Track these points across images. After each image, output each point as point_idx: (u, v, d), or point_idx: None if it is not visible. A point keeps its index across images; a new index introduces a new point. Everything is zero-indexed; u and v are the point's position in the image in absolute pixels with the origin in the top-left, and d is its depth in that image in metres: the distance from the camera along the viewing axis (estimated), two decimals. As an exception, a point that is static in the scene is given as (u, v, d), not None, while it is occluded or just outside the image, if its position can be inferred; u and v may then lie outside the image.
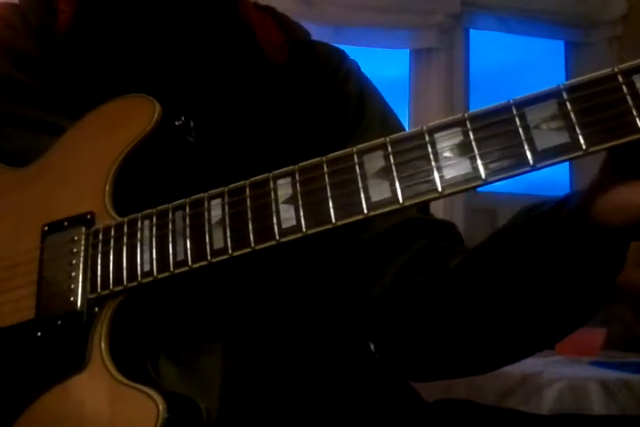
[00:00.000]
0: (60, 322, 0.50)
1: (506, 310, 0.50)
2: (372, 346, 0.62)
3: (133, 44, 0.60)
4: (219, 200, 0.46)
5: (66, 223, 0.53)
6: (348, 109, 0.63)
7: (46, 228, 0.54)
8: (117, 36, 0.60)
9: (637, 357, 1.59)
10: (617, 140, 0.35)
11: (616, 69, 0.36)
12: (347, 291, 0.61)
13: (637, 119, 0.34)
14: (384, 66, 2.31)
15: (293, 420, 0.54)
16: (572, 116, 0.36)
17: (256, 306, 0.55)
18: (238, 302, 0.54)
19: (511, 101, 0.38)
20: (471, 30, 2.32)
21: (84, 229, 0.52)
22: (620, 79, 0.36)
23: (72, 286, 0.51)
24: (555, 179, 2.41)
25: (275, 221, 0.43)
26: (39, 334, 0.51)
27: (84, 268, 0.51)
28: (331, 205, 0.42)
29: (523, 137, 0.37)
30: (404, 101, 2.30)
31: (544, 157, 0.36)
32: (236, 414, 0.51)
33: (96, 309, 0.49)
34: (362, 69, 0.67)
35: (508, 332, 0.52)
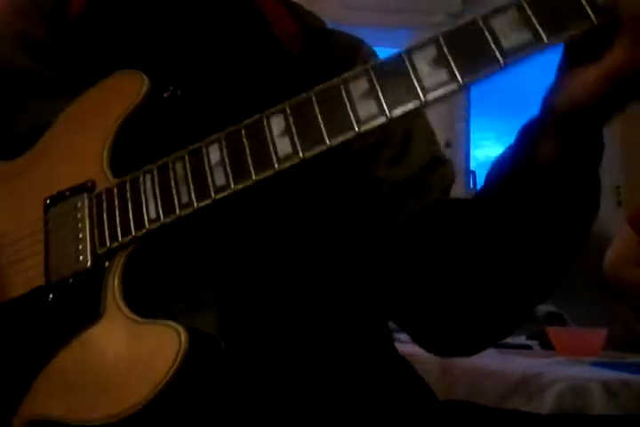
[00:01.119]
0: (71, 281, 0.51)
1: (506, 254, 0.51)
2: (390, 324, 0.62)
3: (144, 27, 0.62)
4: (216, 145, 0.49)
5: (67, 193, 0.55)
6: None
7: (48, 201, 0.56)
8: (129, 19, 0.63)
9: (638, 357, 1.58)
10: (570, 31, 0.38)
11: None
12: (369, 265, 0.60)
13: (588, 8, 0.38)
14: None
15: (295, 413, 0.53)
16: (532, 17, 0.40)
17: (264, 277, 0.55)
18: (244, 267, 0.54)
19: (477, 15, 0.42)
20: None
21: (86, 195, 0.54)
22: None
23: (80, 247, 0.52)
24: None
25: (272, 151, 0.46)
26: (51, 296, 0.52)
27: (90, 228, 0.52)
28: (323, 127, 0.44)
29: (490, 41, 0.40)
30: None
31: (511, 53, 0.40)
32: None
33: (106, 263, 0.51)
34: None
35: (513, 276, 0.52)
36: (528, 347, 1.69)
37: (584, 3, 0.38)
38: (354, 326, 0.59)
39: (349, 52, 0.66)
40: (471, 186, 2.28)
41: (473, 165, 2.31)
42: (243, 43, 0.64)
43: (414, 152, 0.61)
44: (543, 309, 1.80)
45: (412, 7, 2.22)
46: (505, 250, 0.52)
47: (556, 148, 0.46)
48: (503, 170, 0.50)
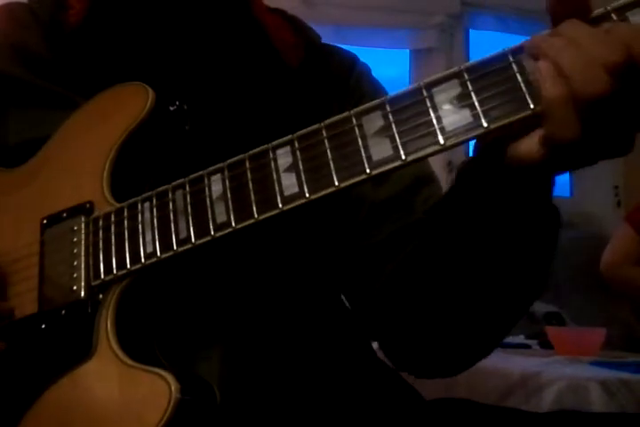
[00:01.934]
0: (64, 312, 0.49)
1: (474, 276, 0.49)
2: (374, 344, 0.61)
3: (143, 38, 0.60)
4: (218, 175, 0.46)
5: (65, 214, 0.53)
6: None
7: (45, 221, 0.53)
8: (128, 30, 0.60)
9: (637, 357, 1.58)
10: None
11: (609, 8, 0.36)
12: (352, 288, 0.60)
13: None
14: (384, 66, 2.31)
15: (291, 423, 0.52)
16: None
17: (255, 310, 0.53)
18: (238, 306, 0.53)
19: (507, 50, 0.38)
20: (471, 30, 2.33)
21: (83, 218, 0.51)
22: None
23: (75, 275, 0.50)
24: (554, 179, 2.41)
25: (277, 189, 0.43)
26: (43, 326, 0.50)
27: (85, 256, 0.50)
28: (332, 167, 0.41)
29: (521, 82, 0.37)
30: (404, 101, 2.27)
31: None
32: (234, 419, 0.49)
33: (100, 296, 0.48)
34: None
35: (487, 296, 0.50)
36: (527, 346, 1.69)
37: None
38: (341, 348, 0.58)
39: (345, 68, 0.65)
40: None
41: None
42: (244, 55, 0.62)
43: (400, 171, 0.59)
44: (542, 308, 1.78)
45: (412, 7, 2.17)
46: (465, 278, 0.50)
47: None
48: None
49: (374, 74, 0.68)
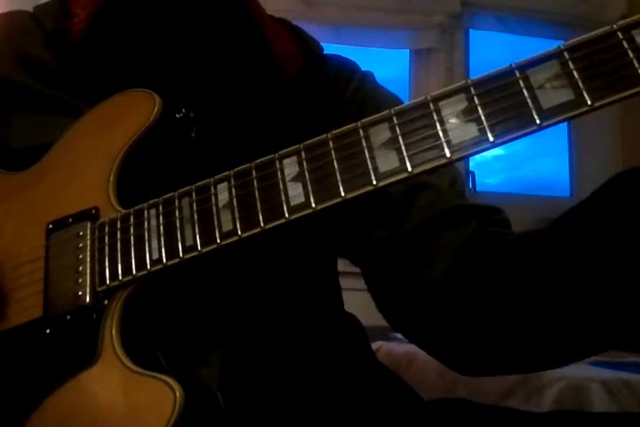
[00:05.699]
0: (69, 317, 0.50)
1: (573, 295, 0.46)
2: (373, 346, 0.60)
3: (147, 46, 0.60)
4: (225, 184, 0.46)
5: (70, 220, 0.53)
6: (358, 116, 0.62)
7: (50, 226, 0.54)
8: (132, 39, 0.61)
9: (637, 357, 1.57)
10: (621, 93, 0.35)
11: (615, 26, 0.36)
12: (380, 285, 0.58)
13: (640, 71, 0.34)
14: (384, 66, 2.30)
15: (292, 425, 0.52)
16: (575, 73, 0.36)
17: (255, 314, 0.54)
18: (239, 310, 0.53)
19: (513, 65, 0.39)
20: (471, 30, 2.32)
21: (89, 223, 0.52)
22: (620, 35, 0.36)
23: (80, 281, 0.50)
24: (555, 179, 2.41)
25: (283, 199, 0.43)
26: (48, 331, 0.50)
27: (91, 261, 0.50)
28: (338, 178, 0.41)
29: (527, 97, 0.37)
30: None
31: (550, 115, 0.36)
32: (236, 424, 0.49)
33: (105, 301, 0.49)
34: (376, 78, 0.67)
35: (574, 319, 0.47)
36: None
37: (637, 66, 0.34)
38: (340, 350, 0.57)
39: (344, 77, 0.65)
40: (470, 186, 2.26)
41: (472, 166, 2.29)
42: (244, 64, 0.62)
43: None
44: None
45: (412, 7, 2.16)
46: (569, 287, 0.46)
47: None
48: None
49: (375, 74, 0.68)
